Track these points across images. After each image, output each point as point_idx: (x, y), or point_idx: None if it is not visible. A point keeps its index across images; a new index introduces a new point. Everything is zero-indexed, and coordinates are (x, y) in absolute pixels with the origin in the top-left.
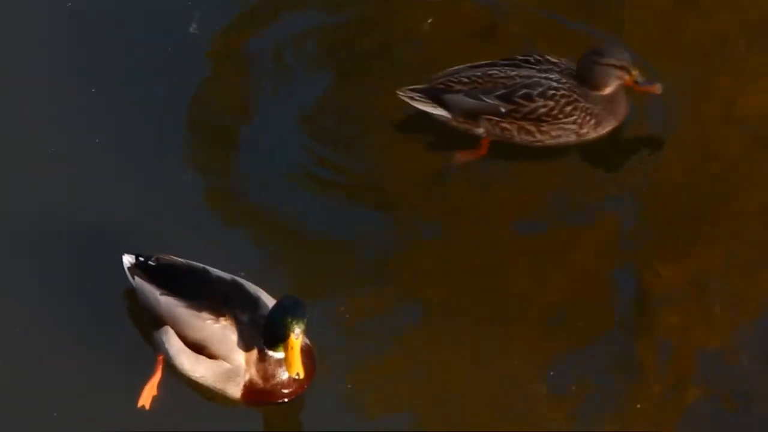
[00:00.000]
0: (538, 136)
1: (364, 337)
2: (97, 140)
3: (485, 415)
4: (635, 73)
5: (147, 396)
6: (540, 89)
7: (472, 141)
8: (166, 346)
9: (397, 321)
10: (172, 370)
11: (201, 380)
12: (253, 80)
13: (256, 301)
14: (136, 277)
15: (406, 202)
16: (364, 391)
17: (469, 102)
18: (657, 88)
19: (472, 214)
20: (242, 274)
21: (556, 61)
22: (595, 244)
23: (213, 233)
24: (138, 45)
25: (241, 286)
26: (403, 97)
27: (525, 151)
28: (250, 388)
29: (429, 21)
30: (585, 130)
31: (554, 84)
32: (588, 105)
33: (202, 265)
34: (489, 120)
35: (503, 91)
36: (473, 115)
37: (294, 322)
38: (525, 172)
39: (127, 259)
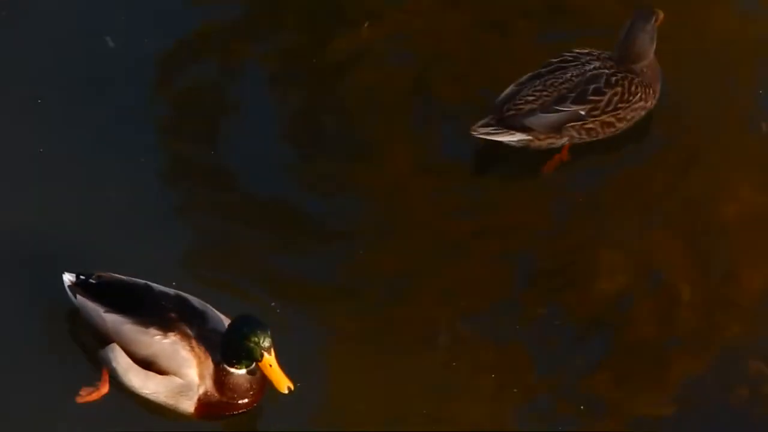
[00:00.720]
0: (618, 125)
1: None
2: (40, 150)
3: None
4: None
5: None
6: (603, 80)
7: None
8: (114, 363)
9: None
10: (120, 387)
11: (152, 396)
12: (195, 96)
13: (203, 315)
14: (78, 296)
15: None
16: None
17: (550, 117)
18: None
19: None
20: (174, 285)
21: (587, 51)
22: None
23: (153, 250)
24: (78, 57)
25: (186, 300)
26: (480, 136)
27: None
28: (205, 402)
29: (366, 25)
30: (650, 103)
31: (607, 71)
32: (642, 78)
33: (144, 282)
34: (573, 127)
35: (572, 95)
36: (557, 128)
37: (262, 341)
38: None
39: (68, 278)
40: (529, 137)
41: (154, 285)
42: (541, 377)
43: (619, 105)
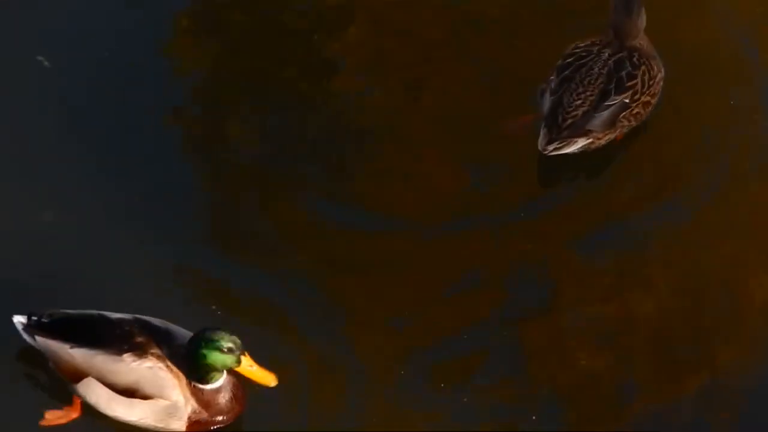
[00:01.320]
0: (653, 101)
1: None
2: None
3: None
4: None
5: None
6: (627, 64)
7: None
8: (94, 397)
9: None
10: (93, 412)
11: (140, 423)
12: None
13: (168, 333)
14: (37, 337)
15: None
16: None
17: (605, 115)
18: None
19: None
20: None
21: (589, 42)
22: None
23: (92, 281)
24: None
25: (147, 323)
26: (552, 154)
27: None
28: (194, 419)
29: (316, 37)
30: (662, 72)
31: (623, 55)
32: (646, 51)
33: (96, 312)
34: (624, 117)
35: (612, 87)
36: (613, 123)
37: (230, 348)
38: None
39: (19, 320)
40: (590, 140)
41: (108, 313)
42: None
43: (650, 82)
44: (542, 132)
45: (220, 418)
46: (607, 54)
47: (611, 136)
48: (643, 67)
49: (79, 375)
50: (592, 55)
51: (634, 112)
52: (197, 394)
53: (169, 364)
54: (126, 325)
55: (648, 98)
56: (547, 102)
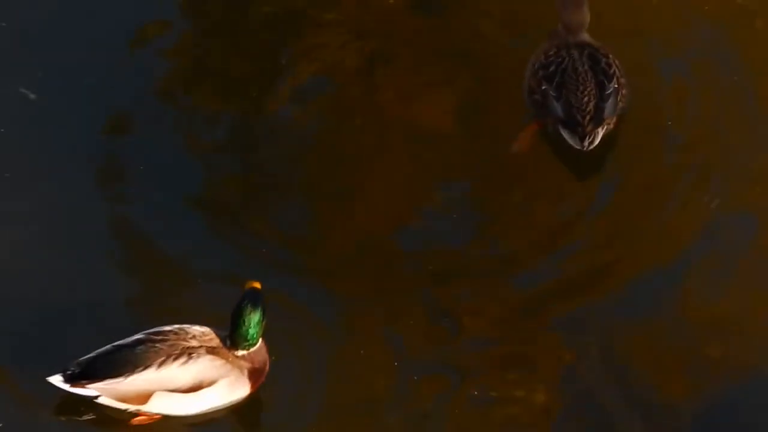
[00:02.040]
0: (624, 81)
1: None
2: None
3: None
4: None
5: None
6: (598, 53)
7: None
8: (170, 408)
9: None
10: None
11: (216, 407)
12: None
13: (182, 329)
14: (87, 386)
15: None
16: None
17: (609, 103)
18: None
19: None
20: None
21: (553, 43)
22: None
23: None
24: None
25: (161, 331)
26: (592, 147)
27: None
28: (253, 378)
29: (283, 62)
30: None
31: (589, 49)
32: (598, 43)
33: (111, 345)
34: (620, 100)
35: (601, 77)
36: (615, 108)
37: (264, 311)
38: None
39: (58, 381)
40: (606, 127)
41: (121, 342)
42: None
43: (618, 64)
44: (567, 134)
45: (267, 365)
46: (576, 53)
47: (613, 119)
48: (606, 52)
49: (146, 396)
50: (567, 58)
51: (623, 92)
52: (247, 358)
53: (210, 347)
54: (147, 341)
55: (623, 79)
56: (558, 108)
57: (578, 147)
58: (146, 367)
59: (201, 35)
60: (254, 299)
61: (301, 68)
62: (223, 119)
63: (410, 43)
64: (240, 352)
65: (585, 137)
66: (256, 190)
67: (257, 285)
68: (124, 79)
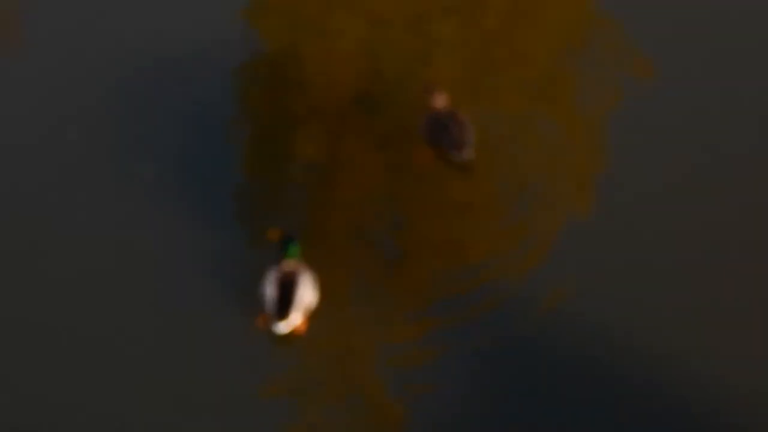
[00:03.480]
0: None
1: None
2: None
3: None
4: None
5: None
6: (456, 112)
7: None
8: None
9: None
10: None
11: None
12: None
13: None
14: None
15: None
16: None
17: (471, 134)
18: None
19: None
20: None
21: (433, 111)
22: None
23: None
24: (42, 147)
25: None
26: (472, 157)
27: None
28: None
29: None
30: None
31: (449, 111)
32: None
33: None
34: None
35: (463, 122)
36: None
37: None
38: None
39: (281, 327)
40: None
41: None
42: None
43: (464, 116)
44: (455, 152)
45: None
46: (447, 117)
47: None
48: (459, 113)
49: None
50: (442, 117)
51: (472, 132)
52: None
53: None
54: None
55: (469, 125)
56: (447, 140)
57: (462, 159)
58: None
59: None
60: (288, 238)
61: None
62: None
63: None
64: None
65: (467, 154)
66: None
67: (276, 235)
68: None
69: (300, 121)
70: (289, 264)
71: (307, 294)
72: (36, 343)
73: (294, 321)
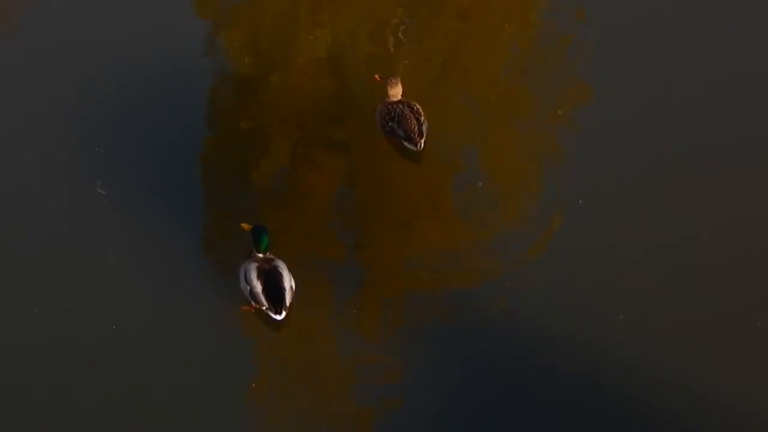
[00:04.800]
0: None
1: None
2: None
3: None
4: None
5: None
6: (414, 105)
7: None
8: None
9: None
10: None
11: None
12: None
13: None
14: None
15: None
16: None
17: (424, 127)
18: None
19: None
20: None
21: (389, 103)
22: None
23: None
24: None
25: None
26: (422, 146)
27: None
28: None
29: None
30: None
31: (405, 102)
32: (408, 99)
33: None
34: (425, 125)
35: (418, 115)
36: (425, 130)
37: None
38: None
39: (278, 317)
40: (424, 137)
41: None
42: None
43: (419, 107)
44: (408, 143)
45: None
46: (401, 104)
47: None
48: (415, 105)
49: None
50: (397, 107)
51: (426, 123)
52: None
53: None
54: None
55: (424, 118)
56: (401, 131)
57: (415, 149)
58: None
59: None
60: (261, 229)
61: None
62: None
63: None
64: (260, 255)
65: (417, 144)
66: None
67: (247, 226)
68: None
69: (266, 128)
70: (262, 256)
71: (291, 282)
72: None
73: (286, 306)
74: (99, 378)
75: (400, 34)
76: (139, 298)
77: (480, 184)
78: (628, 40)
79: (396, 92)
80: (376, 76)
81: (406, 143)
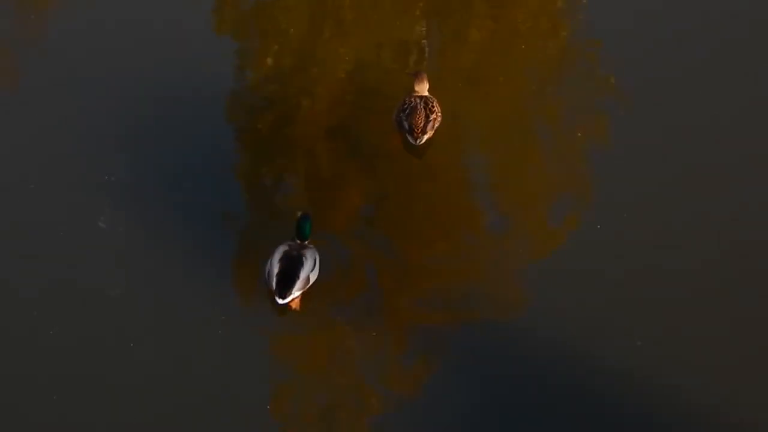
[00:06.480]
0: (439, 116)
1: None
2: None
3: None
4: None
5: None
6: (430, 102)
7: None
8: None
9: None
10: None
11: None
12: None
13: (289, 244)
14: (294, 293)
15: None
16: None
17: (429, 123)
18: None
19: None
20: None
21: (411, 97)
22: None
23: None
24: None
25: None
26: (423, 141)
27: None
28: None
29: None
30: (437, 103)
31: (425, 98)
32: (432, 97)
33: (275, 268)
34: (434, 122)
35: (427, 111)
36: (433, 126)
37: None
38: None
39: (280, 301)
40: (429, 134)
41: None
42: None
43: (435, 108)
44: (409, 136)
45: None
46: (420, 100)
47: (432, 131)
48: (433, 102)
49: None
50: (414, 101)
51: (437, 121)
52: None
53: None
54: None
55: (436, 115)
56: (406, 123)
57: (413, 143)
58: (302, 268)
59: None
60: (306, 217)
61: None
62: None
63: None
64: (298, 242)
65: (419, 137)
66: None
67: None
68: None
69: (290, 140)
70: (299, 243)
71: (309, 273)
72: (29, 344)
73: (293, 296)
74: (100, 378)
75: (424, 47)
76: (149, 300)
77: (497, 196)
78: (655, 59)
79: (422, 88)
80: (406, 72)
81: (407, 136)
